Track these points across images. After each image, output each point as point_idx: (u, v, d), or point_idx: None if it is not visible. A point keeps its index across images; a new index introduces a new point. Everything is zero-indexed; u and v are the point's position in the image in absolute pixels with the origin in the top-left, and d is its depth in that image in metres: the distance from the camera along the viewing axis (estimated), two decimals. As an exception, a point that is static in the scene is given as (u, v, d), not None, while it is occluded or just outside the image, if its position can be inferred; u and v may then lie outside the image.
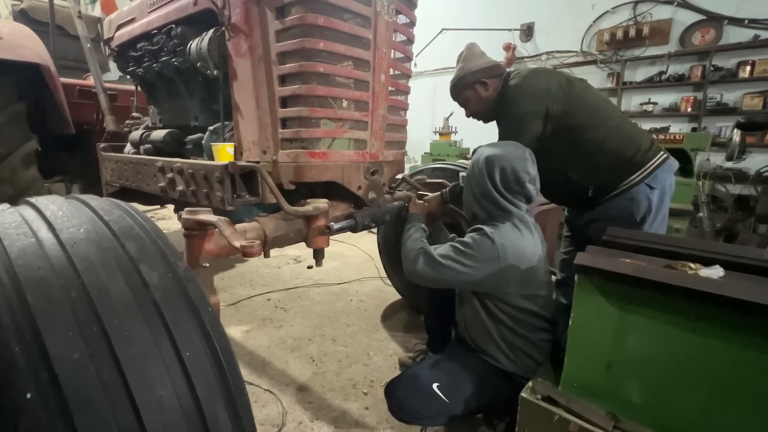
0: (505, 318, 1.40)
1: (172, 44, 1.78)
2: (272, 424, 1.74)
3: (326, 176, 1.52)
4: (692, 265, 1.10)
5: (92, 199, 0.92)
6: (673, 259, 1.18)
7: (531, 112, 1.62)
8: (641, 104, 5.59)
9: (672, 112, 5.39)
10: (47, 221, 0.79)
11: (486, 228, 1.37)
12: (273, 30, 1.39)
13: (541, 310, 1.42)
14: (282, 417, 1.78)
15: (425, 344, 2.10)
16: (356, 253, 4.25)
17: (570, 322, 1.15)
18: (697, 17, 5.13)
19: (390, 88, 1.66)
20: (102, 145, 2.44)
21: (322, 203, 1.46)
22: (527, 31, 6.54)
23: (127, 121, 2.58)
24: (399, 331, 2.61)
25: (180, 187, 1.68)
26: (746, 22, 4.81)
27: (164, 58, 1.86)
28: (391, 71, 1.65)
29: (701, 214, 3.92)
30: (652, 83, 5.49)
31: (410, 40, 1.77)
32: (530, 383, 1.26)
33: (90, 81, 3.04)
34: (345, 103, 1.52)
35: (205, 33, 1.57)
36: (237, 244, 1.03)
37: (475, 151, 1.59)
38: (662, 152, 1.63)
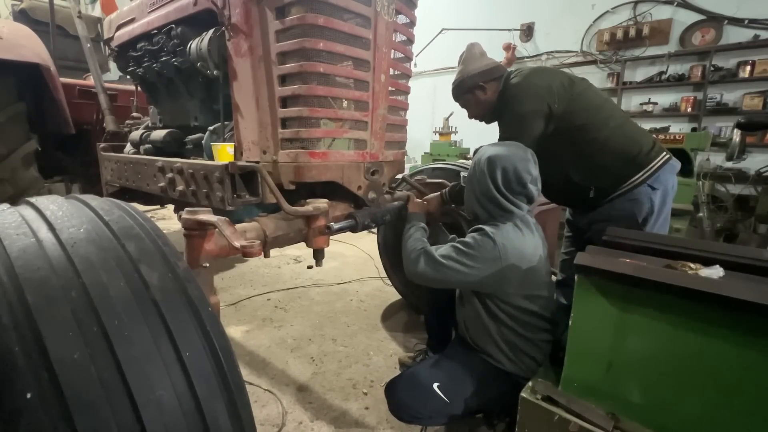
0: (506, 318, 1.40)
1: (172, 44, 1.78)
2: (272, 424, 1.74)
3: (326, 176, 1.52)
4: (692, 265, 1.10)
5: (92, 199, 0.92)
6: (673, 259, 1.18)
7: (532, 111, 1.62)
8: (641, 104, 5.58)
9: (672, 112, 5.39)
10: (47, 221, 0.79)
11: (487, 228, 1.37)
12: (273, 30, 1.39)
13: (542, 310, 1.42)
14: (282, 417, 1.78)
15: (425, 344, 2.09)
16: (356, 253, 4.25)
17: (570, 322, 1.15)
18: (697, 17, 5.13)
19: (390, 88, 1.66)
20: (102, 145, 2.44)
21: (322, 203, 1.46)
22: (527, 31, 6.54)
23: (127, 121, 2.58)
24: (399, 331, 2.61)
25: (180, 187, 1.68)
26: (746, 22, 4.81)
27: (164, 58, 1.86)
28: (391, 71, 1.65)
29: (701, 214, 3.92)
30: (652, 83, 5.49)
31: (410, 40, 1.77)
32: (530, 383, 1.26)
33: (90, 81, 3.04)
34: (345, 103, 1.52)
35: (205, 33, 1.57)
36: (237, 244, 1.03)
37: (476, 151, 1.58)
38: (664, 153, 1.63)
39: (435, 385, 1.36)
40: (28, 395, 0.57)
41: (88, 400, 0.59)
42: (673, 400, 1.02)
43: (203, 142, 1.82)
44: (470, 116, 1.92)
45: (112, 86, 3.01)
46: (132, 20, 2.08)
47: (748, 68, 4.80)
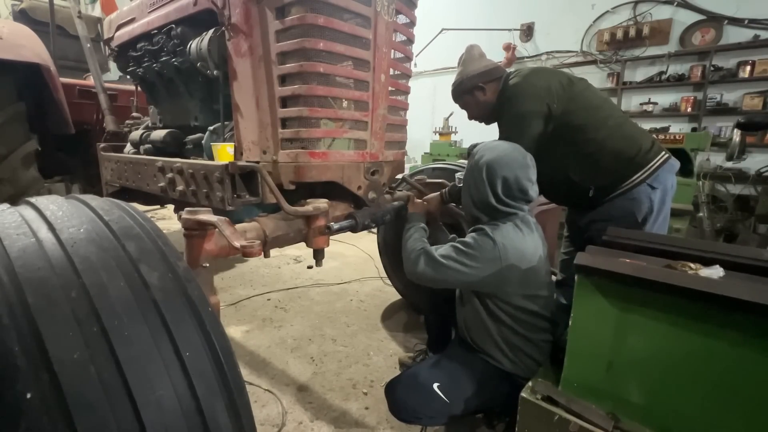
0: (506, 318, 1.40)
1: (172, 44, 1.78)
2: (272, 424, 1.74)
3: (326, 176, 1.52)
4: (692, 265, 1.10)
5: (92, 199, 0.92)
6: (673, 259, 1.18)
7: (532, 111, 1.62)
8: (641, 104, 5.58)
9: (672, 112, 5.39)
10: (47, 221, 0.79)
11: (487, 228, 1.37)
12: (273, 30, 1.39)
13: (542, 310, 1.42)
14: (282, 417, 1.78)
15: (425, 344, 2.09)
16: (356, 253, 4.25)
17: (570, 322, 1.15)
18: (697, 17, 5.13)
19: (390, 88, 1.66)
20: (102, 145, 2.44)
21: (322, 203, 1.46)
22: (527, 31, 6.54)
23: (127, 121, 2.58)
24: (399, 331, 2.61)
25: (180, 187, 1.68)
26: (746, 22, 4.81)
27: (164, 58, 1.86)
28: (391, 71, 1.65)
29: (701, 214, 3.92)
30: (652, 83, 5.48)
31: (410, 40, 1.77)
32: (530, 383, 1.26)
33: (90, 81, 3.04)
34: (345, 103, 1.52)
35: (205, 33, 1.57)
36: (237, 244, 1.03)
37: (471, 147, 1.57)
38: (664, 152, 1.63)
39: (435, 386, 1.36)
40: (28, 395, 0.57)
41: (88, 400, 0.59)
42: (673, 400, 1.02)
43: (203, 142, 1.82)
44: (470, 117, 1.93)
45: (112, 86, 3.01)
46: (132, 20, 2.08)
47: (748, 68, 4.80)
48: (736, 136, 3.53)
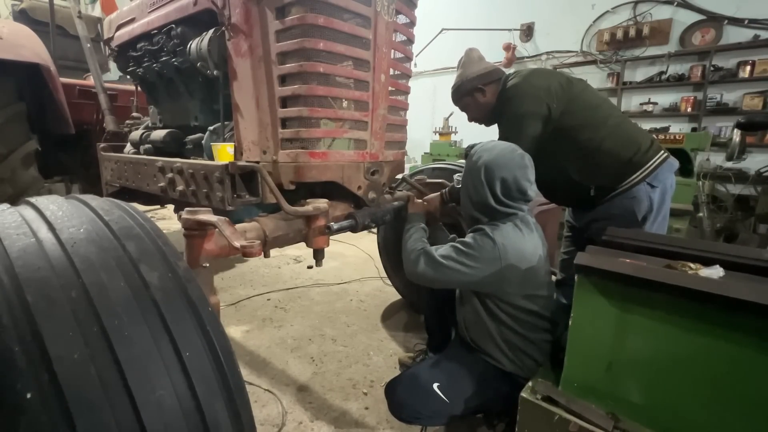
0: (506, 318, 1.40)
1: (172, 44, 1.78)
2: (272, 424, 1.74)
3: (326, 176, 1.52)
4: (692, 265, 1.10)
5: (92, 199, 0.92)
6: (673, 259, 1.18)
7: (531, 112, 1.62)
8: (641, 104, 5.58)
9: (672, 112, 5.39)
10: (47, 221, 0.79)
11: (487, 228, 1.37)
12: (273, 30, 1.39)
13: (542, 310, 1.42)
14: (282, 417, 1.78)
15: (425, 344, 2.09)
16: (356, 253, 4.25)
17: (570, 322, 1.15)
18: (697, 17, 5.13)
19: (390, 88, 1.66)
20: (102, 145, 2.44)
21: (322, 203, 1.46)
22: (527, 31, 6.54)
23: (127, 121, 2.58)
24: (399, 331, 2.61)
25: (180, 187, 1.68)
26: (746, 22, 4.81)
27: (164, 58, 1.86)
28: (391, 71, 1.65)
29: (701, 214, 3.92)
30: (652, 83, 5.48)
31: (410, 40, 1.77)
32: (530, 383, 1.26)
33: (90, 81, 3.04)
34: (345, 103, 1.51)
35: (205, 33, 1.57)
36: (237, 244, 1.03)
37: (469, 148, 1.57)
38: (662, 151, 1.64)
39: (435, 386, 1.36)
40: (28, 395, 0.57)
41: (88, 400, 0.59)
42: (672, 399, 1.02)
43: (203, 142, 1.82)
44: (470, 119, 1.94)
45: (112, 86, 3.01)
46: (132, 20, 2.08)
47: (748, 68, 4.80)
48: (736, 136, 3.53)
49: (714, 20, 5.01)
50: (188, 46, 1.65)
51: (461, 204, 1.56)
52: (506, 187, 1.38)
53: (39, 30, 2.66)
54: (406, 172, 2.37)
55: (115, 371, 0.62)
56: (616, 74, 5.75)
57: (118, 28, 2.20)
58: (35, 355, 0.59)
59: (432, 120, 7.29)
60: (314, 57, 1.38)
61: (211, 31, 1.54)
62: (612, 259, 1.12)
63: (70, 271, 0.68)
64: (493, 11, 6.76)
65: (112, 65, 2.69)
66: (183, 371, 0.68)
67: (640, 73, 5.65)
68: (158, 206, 4.35)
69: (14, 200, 0.98)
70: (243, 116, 1.52)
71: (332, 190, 1.64)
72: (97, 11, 6.86)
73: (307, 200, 1.49)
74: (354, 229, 1.59)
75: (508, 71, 1.81)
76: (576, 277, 1.12)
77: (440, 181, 2.13)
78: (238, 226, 1.34)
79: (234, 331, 2.56)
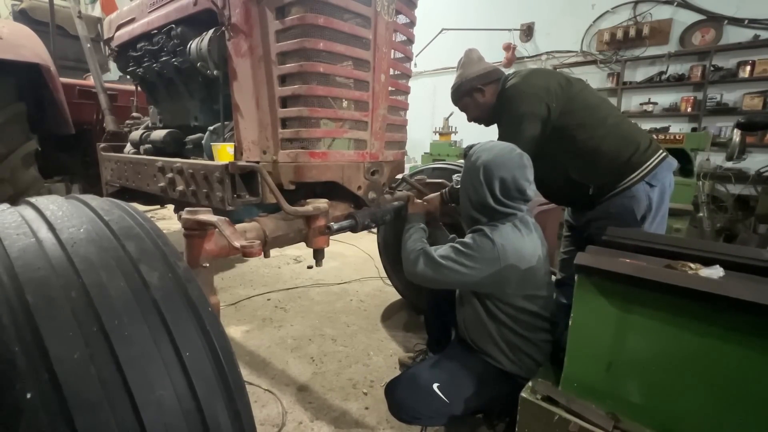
0: (506, 318, 1.40)
1: (172, 44, 1.78)
2: (272, 424, 1.74)
3: (326, 176, 1.52)
4: (692, 265, 1.10)
5: (92, 199, 0.92)
6: (673, 259, 1.18)
7: (530, 112, 1.63)
8: (641, 104, 5.58)
9: (672, 112, 5.39)
10: (47, 221, 0.79)
11: (486, 228, 1.37)
12: (273, 30, 1.39)
13: (542, 310, 1.42)
14: (282, 417, 1.78)
15: (425, 344, 2.09)
16: (356, 253, 4.25)
17: (570, 322, 1.15)
18: (697, 17, 5.13)
19: (390, 88, 1.66)
20: (102, 145, 2.44)
21: (322, 203, 1.46)
22: (527, 31, 6.54)
23: (127, 121, 2.58)
24: (399, 331, 2.61)
25: (180, 187, 1.68)
26: (746, 22, 4.81)
27: (164, 58, 1.86)
28: (391, 71, 1.65)
29: (701, 214, 3.92)
30: (652, 83, 5.48)
31: (410, 40, 1.77)
32: (530, 383, 1.26)
33: (90, 81, 3.04)
34: (345, 103, 1.52)
35: (205, 33, 1.57)
36: (237, 244, 1.03)
37: (468, 148, 1.58)
38: (661, 151, 1.64)
39: (435, 386, 1.36)
40: (28, 395, 0.57)
41: (88, 400, 0.59)
42: (672, 399, 1.02)
43: (203, 142, 1.82)
44: (470, 119, 1.94)
45: (112, 86, 3.01)
46: (132, 20, 2.08)
47: (748, 68, 4.80)
48: (736, 136, 3.53)
49: (714, 20, 5.01)
50: (188, 46, 1.65)
51: (460, 204, 1.56)
52: (505, 186, 1.38)
53: (39, 30, 2.66)
54: (406, 172, 2.37)
55: (115, 371, 0.62)
56: (616, 74, 5.75)
57: (118, 28, 2.20)
58: (35, 355, 0.59)
59: (432, 120, 7.29)
60: (314, 57, 1.38)
61: (211, 31, 1.54)
62: (612, 259, 1.12)
63: (70, 271, 0.68)
64: (493, 11, 6.76)
65: (112, 65, 2.69)
66: (183, 371, 0.68)
67: (640, 73, 5.65)
68: (158, 206, 4.35)
69: (14, 200, 0.98)
70: (243, 116, 1.52)
71: (332, 190, 1.64)
72: (97, 11, 6.86)
73: (307, 200, 1.49)
74: (354, 229, 1.59)
75: (508, 71, 1.81)
76: (576, 277, 1.12)
77: (440, 181, 2.13)
78: (238, 226, 1.34)
79: (234, 331, 2.56)
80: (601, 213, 1.66)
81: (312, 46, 1.36)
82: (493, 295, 1.40)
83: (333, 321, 2.73)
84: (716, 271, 1.07)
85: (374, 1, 1.46)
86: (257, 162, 1.48)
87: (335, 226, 1.49)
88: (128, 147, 2.36)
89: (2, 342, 0.60)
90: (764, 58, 4.74)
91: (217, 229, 1.11)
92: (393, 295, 3.08)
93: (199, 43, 1.57)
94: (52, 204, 0.86)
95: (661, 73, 5.41)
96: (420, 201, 1.84)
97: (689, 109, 5.23)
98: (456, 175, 1.99)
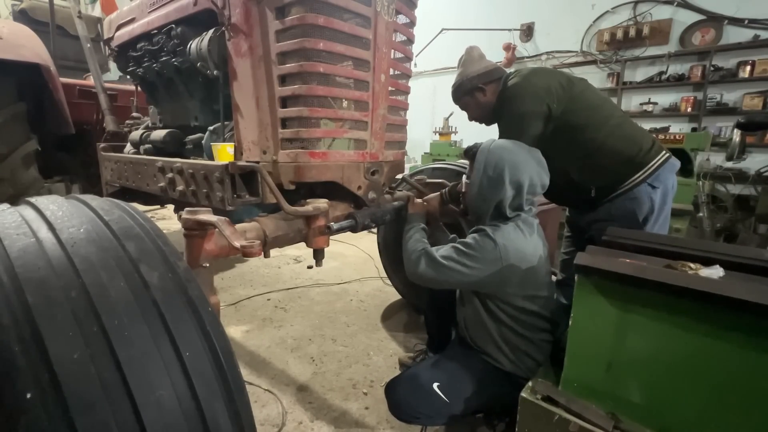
0: (506, 318, 1.40)
1: (172, 44, 1.78)
2: (272, 424, 1.74)
3: (326, 176, 1.52)
4: (692, 265, 1.10)
5: (92, 199, 0.92)
6: (673, 259, 1.18)
7: (531, 112, 1.62)
8: (641, 104, 5.58)
9: (672, 112, 5.39)
10: (47, 221, 0.79)
11: (487, 228, 1.37)
12: (273, 30, 1.39)
13: (542, 310, 1.42)
14: (282, 417, 1.78)
15: (425, 344, 2.09)
16: (356, 253, 4.24)
17: (570, 322, 1.15)
18: (697, 17, 5.13)
19: (390, 88, 1.66)
20: (102, 145, 2.44)
21: (322, 203, 1.46)
22: (527, 31, 6.54)
23: (127, 121, 2.58)
24: (399, 331, 2.61)
25: (180, 187, 1.68)
26: (746, 22, 4.81)
27: (164, 58, 1.86)
28: (391, 71, 1.65)
29: (701, 214, 3.92)
30: (652, 83, 5.48)
31: (410, 40, 1.77)
32: (530, 383, 1.26)
33: (90, 81, 3.04)
34: (345, 103, 1.51)
35: (205, 33, 1.57)
36: (237, 244, 1.03)
37: (471, 147, 1.57)
38: (664, 152, 1.63)
39: (435, 385, 1.36)
40: (28, 395, 0.57)
41: (88, 400, 0.59)
42: (673, 400, 1.02)
43: (203, 142, 1.82)
44: (470, 118, 1.93)
45: (112, 86, 3.01)
46: (132, 20, 2.08)
47: (748, 68, 4.80)
48: (736, 136, 3.53)
49: (714, 20, 5.01)
50: (188, 46, 1.65)
51: (467, 200, 1.55)
52: (531, 186, 1.41)
53: (39, 30, 2.66)
54: (406, 172, 2.37)
55: (115, 371, 0.62)
56: (616, 74, 5.75)
57: (118, 28, 2.20)
58: (35, 355, 0.59)
59: (432, 120, 7.29)
60: (314, 57, 1.38)
61: (211, 31, 1.54)
62: (612, 260, 1.12)
63: (70, 271, 0.68)
64: (493, 11, 6.76)
65: (112, 65, 2.69)
66: (183, 371, 0.68)
67: (640, 73, 5.65)
68: (158, 206, 4.35)
69: (14, 200, 0.98)
70: (243, 116, 1.52)
71: (332, 190, 1.64)
72: (97, 11, 6.85)
73: (307, 200, 1.49)
74: (354, 229, 1.59)
75: (509, 71, 1.81)
76: (576, 277, 1.12)
77: (440, 181, 2.13)
78: (238, 226, 1.34)
79: (234, 331, 2.56)
80: (603, 214, 1.66)
81: (312, 46, 1.35)
82: (494, 295, 1.40)
83: (333, 321, 2.73)
84: (716, 271, 1.07)
85: (374, 1, 1.46)
86: (257, 162, 1.48)
87: (335, 226, 1.49)
88: (128, 147, 2.36)
89: (2, 342, 0.60)
90: (764, 58, 4.74)
91: (217, 229, 1.11)
92: (393, 295, 3.08)
93: (199, 43, 1.57)
94: (52, 204, 0.86)
95: (661, 73, 5.41)
96: (420, 201, 1.84)
97: (689, 109, 5.23)
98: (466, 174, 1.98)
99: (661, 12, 5.36)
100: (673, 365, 1.01)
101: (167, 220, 5.62)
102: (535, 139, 1.63)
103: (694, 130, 5.13)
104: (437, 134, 6.57)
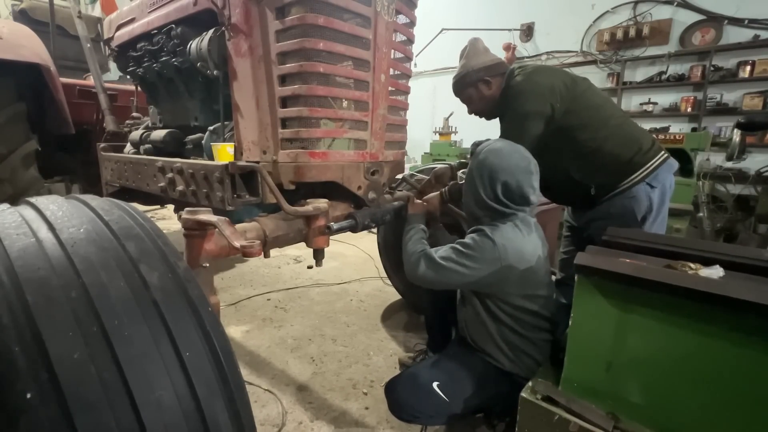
0: (506, 318, 1.40)
1: (172, 44, 1.78)
2: (272, 424, 1.74)
3: (326, 176, 1.52)
4: (692, 265, 1.10)
5: (92, 199, 0.92)
6: (673, 259, 1.18)
7: (534, 111, 1.62)
8: (641, 104, 5.58)
9: (672, 112, 5.39)
10: (47, 221, 0.79)
11: (486, 229, 1.37)
12: (273, 30, 1.39)
13: (542, 310, 1.42)
14: (282, 417, 1.78)
15: (425, 344, 2.09)
16: (356, 253, 4.24)
17: (570, 322, 1.15)
18: (697, 17, 5.13)
19: (390, 88, 1.66)
20: (102, 145, 2.44)
21: (322, 203, 1.46)
22: (527, 31, 6.54)
23: (127, 121, 2.58)
24: (399, 331, 2.61)
25: (180, 187, 1.68)
26: (746, 22, 4.81)
27: (164, 58, 1.86)
28: (391, 71, 1.65)
29: (701, 214, 3.92)
30: (652, 83, 5.49)
31: (410, 40, 1.77)
32: (530, 383, 1.26)
33: (90, 81, 3.04)
34: (345, 103, 1.51)
35: (205, 33, 1.57)
36: (237, 244, 1.03)
37: (475, 145, 1.57)
38: (663, 152, 1.64)
39: (435, 385, 1.36)
40: (28, 395, 0.57)
41: (88, 400, 0.59)
42: (673, 400, 1.02)
43: (203, 142, 1.82)
44: (470, 111, 1.91)
45: (112, 86, 3.01)
46: (132, 20, 2.08)
47: (748, 68, 4.80)
48: (736, 136, 3.53)
49: (714, 20, 5.01)
50: (188, 46, 1.65)
51: (463, 200, 1.55)
52: (509, 190, 1.38)
53: (39, 30, 2.66)
54: (406, 172, 2.37)
55: (115, 371, 0.62)
56: (616, 74, 5.75)
57: (118, 28, 2.20)
58: (35, 355, 0.59)
59: (432, 120, 7.29)
60: (314, 57, 1.38)
61: (211, 31, 1.54)
62: (612, 259, 1.12)
63: (70, 271, 0.68)
64: (493, 11, 6.76)
65: (112, 65, 2.69)
66: (183, 371, 0.68)
67: (640, 73, 5.65)
68: (158, 206, 4.35)
69: (14, 200, 0.98)
70: (243, 116, 1.52)
71: (332, 190, 1.64)
72: (97, 11, 6.84)
73: (307, 200, 1.49)
74: (354, 229, 1.59)
75: (512, 67, 1.80)
76: (576, 277, 1.12)
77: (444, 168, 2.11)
78: (238, 226, 1.34)
79: (234, 331, 2.56)
80: (602, 213, 1.66)
81: (312, 46, 1.35)
82: (494, 295, 1.40)
83: (333, 321, 2.73)
84: (716, 271, 1.06)
85: (374, 1, 1.46)
86: (257, 162, 1.48)
87: (335, 226, 1.49)
88: (128, 147, 2.36)
89: (2, 342, 0.60)
90: (764, 58, 4.74)
91: (217, 229, 1.11)
92: (393, 295, 3.08)
93: (199, 43, 1.57)
94: (52, 204, 0.86)
95: (661, 73, 5.41)
96: (420, 201, 1.84)
97: (689, 109, 5.23)
98: (462, 171, 1.97)
99: (661, 12, 5.36)
100: (673, 365, 1.01)
101: (167, 220, 5.62)
102: (536, 138, 1.63)
103: (694, 130, 5.13)
104: (437, 134, 6.58)
